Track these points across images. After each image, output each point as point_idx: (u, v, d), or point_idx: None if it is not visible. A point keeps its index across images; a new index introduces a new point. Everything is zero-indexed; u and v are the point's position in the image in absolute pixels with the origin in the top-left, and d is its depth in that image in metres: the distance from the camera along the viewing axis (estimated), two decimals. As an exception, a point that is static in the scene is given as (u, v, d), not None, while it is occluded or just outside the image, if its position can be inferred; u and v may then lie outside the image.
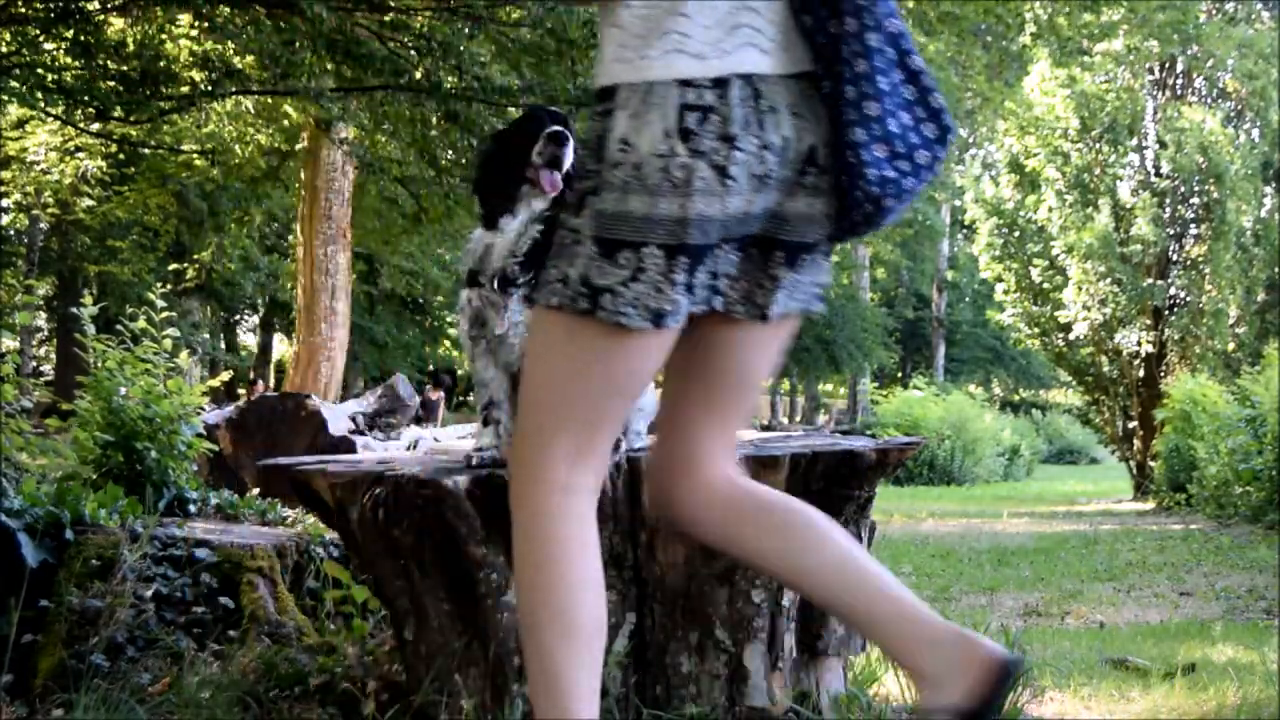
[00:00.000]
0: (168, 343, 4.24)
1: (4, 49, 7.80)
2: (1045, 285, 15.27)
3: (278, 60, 7.26)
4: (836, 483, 2.28)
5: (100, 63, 7.77)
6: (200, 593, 3.06)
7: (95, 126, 9.83)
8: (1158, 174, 14.64)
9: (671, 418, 1.77)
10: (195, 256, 18.77)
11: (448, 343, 29.34)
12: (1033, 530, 10.13)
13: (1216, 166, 13.88)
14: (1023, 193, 15.51)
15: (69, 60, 7.79)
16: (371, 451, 6.03)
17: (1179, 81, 15.24)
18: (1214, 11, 15.42)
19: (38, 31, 7.56)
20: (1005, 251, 15.78)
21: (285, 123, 13.06)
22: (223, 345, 27.08)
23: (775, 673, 2.28)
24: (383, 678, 2.57)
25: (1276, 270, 15.21)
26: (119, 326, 4.24)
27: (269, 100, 11.60)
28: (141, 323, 4.22)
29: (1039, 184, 15.07)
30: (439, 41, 7.57)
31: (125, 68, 7.91)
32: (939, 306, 33.66)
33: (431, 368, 28.58)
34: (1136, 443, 14.73)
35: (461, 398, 30.95)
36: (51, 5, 7.19)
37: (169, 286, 18.75)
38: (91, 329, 4.14)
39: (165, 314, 4.36)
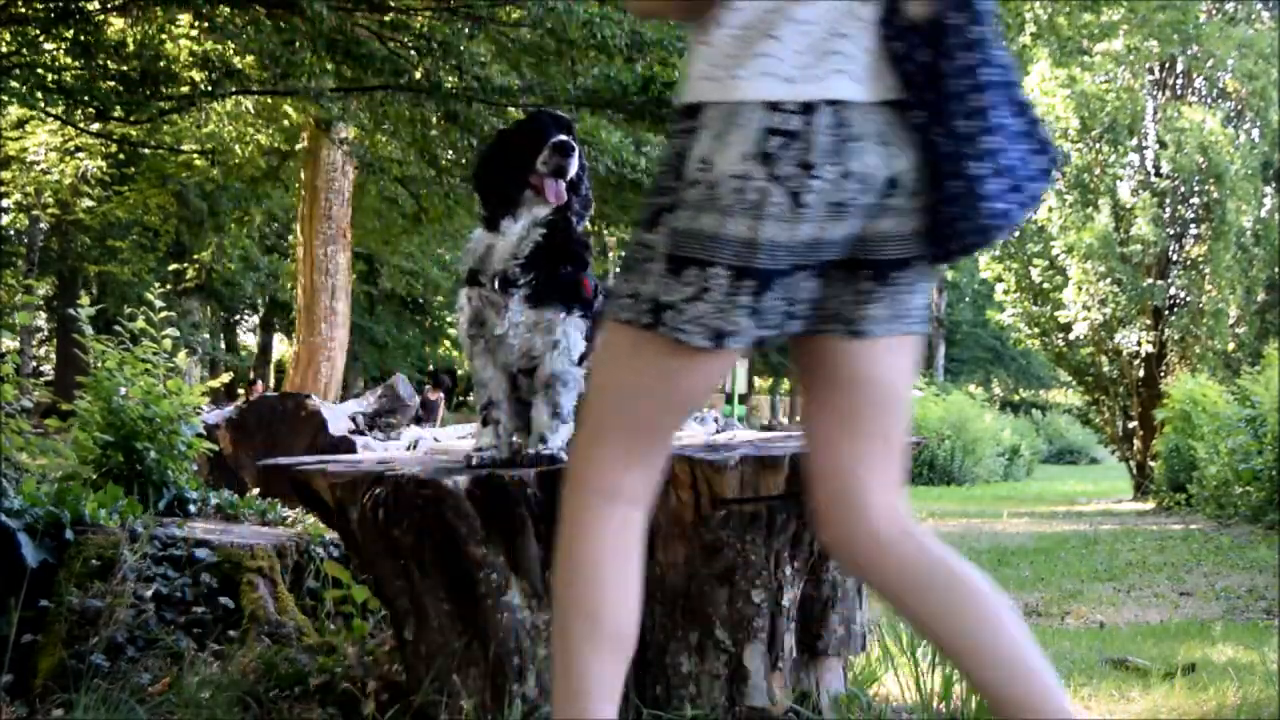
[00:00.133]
0: (167, 343, 4.24)
1: (4, 49, 7.80)
2: (1045, 285, 15.26)
3: (277, 60, 7.26)
4: (836, 483, 2.28)
5: (100, 63, 7.77)
6: (200, 593, 3.06)
7: (95, 126, 9.83)
8: (1158, 174, 14.64)
9: (823, 456, 1.74)
10: (195, 256, 18.77)
11: (448, 343, 29.33)
12: (1033, 530, 10.13)
13: (1216, 166, 13.88)
14: (1023, 192, 15.50)
15: (69, 60, 7.79)
16: (371, 451, 6.03)
17: (1179, 81, 15.24)
18: (1214, 11, 15.42)
19: (38, 31, 7.56)
20: (1005, 251, 15.78)
21: (285, 123, 13.06)
22: (223, 345, 27.08)
23: (775, 673, 2.28)
24: (383, 678, 2.57)
25: (1276, 270, 15.22)
26: (118, 327, 4.24)
27: (269, 100, 11.60)
28: (141, 323, 4.22)
29: (1039, 184, 15.06)
30: (439, 41, 7.57)
31: (125, 68, 7.91)
32: (939, 306, 33.64)
33: (431, 368, 28.59)
34: (1136, 443, 14.73)
35: (461, 398, 30.95)
36: (51, 5, 7.19)
37: (169, 286, 18.75)
38: (89, 329, 4.14)
39: (164, 314, 4.36)
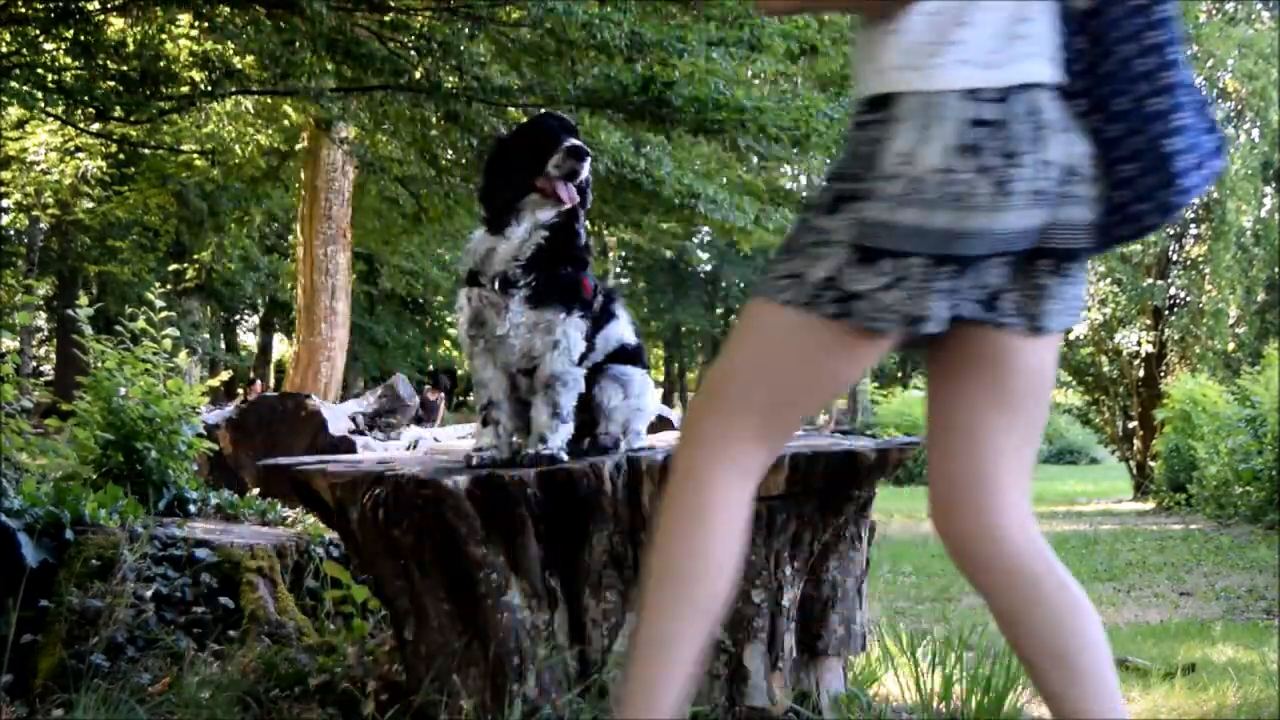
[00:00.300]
0: (167, 343, 4.24)
1: (4, 49, 7.80)
2: (1045, 285, 15.26)
3: (277, 60, 7.26)
4: (837, 483, 2.28)
5: (100, 63, 7.77)
6: (200, 593, 3.06)
7: (95, 126, 9.83)
8: (1158, 174, 14.63)
9: (968, 445, 1.73)
10: (195, 256, 18.77)
11: (448, 343, 29.33)
12: (1033, 530, 10.10)
13: (1216, 166, 13.87)
14: (1023, 192, 15.50)
15: (69, 60, 7.79)
16: (371, 451, 6.03)
17: (1179, 81, 15.22)
18: (1214, 11, 15.41)
19: (38, 31, 7.56)
20: (1005, 251, 15.78)
21: (285, 123, 13.06)
22: (223, 345, 27.08)
23: (775, 673, 2.28)
24: (383, 678, 2.57)
25: (1276, 270, 15.21)
26: (118, 327, 4.24)
27: (269, 100, 11.60)
28: (141, 323, 4.22)
29: (1039, 184, 15.07)
30: (439, 41, 7.57)
31: (125, 68, 7.91)
32: (939, 306, 33.62)
33: (431, 368, 28.58)
34: (1136, 443, 14.73)
35: (461, 398, 30.95)
36: (51, 5, 7.18)
37: (169, 286, 18.75)
38: (89, 329, 4.14)
39: (164, 314, 4.36)
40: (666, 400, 24.76)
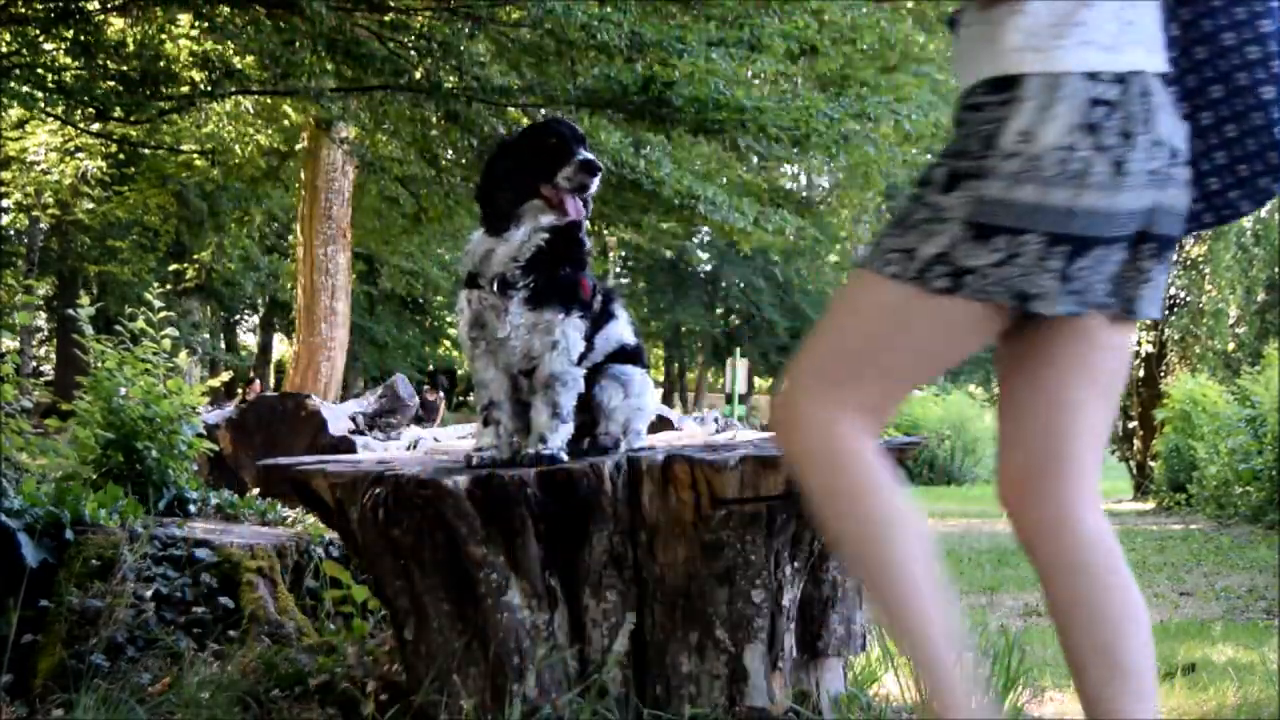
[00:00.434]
0: (167, 343, 4.24)
1: (4, 49, 7.80)
2: (1045, 285, 15.25)
3: (277, 61, 7.26)
4: (836, 483, 2.28)
5: (100, 63, 7.77)
6: (200, 593, 3.06)
7: (95, 126, 9.84)
8: (1158, 174, 14.62)
9: (1048, 423, 1.75)
10: (195, 256, 18.78)
11: (448, 343, 29.34)
12: (1033, 530, 10.10)
13: (1216, 166, 13.85)
14: (1023, 192, 15.49)
15: (69, 60, 7.79)
16: (371, 451, 6.03)
17: (1179, 81, 15.22)
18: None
19: (38, 31, 7.56)
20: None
21: (285, 123, 13.07)
22: (223, 345, 27.08)
23: (775, 673, 2.28)
24: (383, 678, 2.57)
25: (1276, 270, 15.20)
26: (119, 326, 4.24)
27: (268, 100, 11.60)
28: (140, 323, 4.22)
29: (1039, 184, 15.06)
30: (439, 42, 7.57)
31: (125, 68, 7.91)
32: (939, 306, 33.58)
33: (431, 369, 28.58)
34: (1136, 443, 14.73)
35: (461, 398, 30.95)
36: (51, 5, 7.18)
37: (169, 286, 18.75)
38: (89, 329, 4.14)
39: (164, 314, 4.36)
40: (666, 400, 24.77)
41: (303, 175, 12.53)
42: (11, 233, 17.56)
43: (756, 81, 10.50)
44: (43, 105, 8.24)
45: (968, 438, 19.37)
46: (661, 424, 5.83)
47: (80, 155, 13.60)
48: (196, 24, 7.95)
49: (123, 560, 2.95)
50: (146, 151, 12.26)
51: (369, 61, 7.26)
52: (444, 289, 23.63)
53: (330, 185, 11.79)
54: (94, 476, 3.91)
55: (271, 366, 25.97)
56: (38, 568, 2.93)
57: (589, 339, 2.38)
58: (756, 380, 33.50)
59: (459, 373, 33.29)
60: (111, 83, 7.84)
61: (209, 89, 8.41)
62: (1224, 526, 9.60)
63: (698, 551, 2.25)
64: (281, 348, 26.40)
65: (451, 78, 7.86)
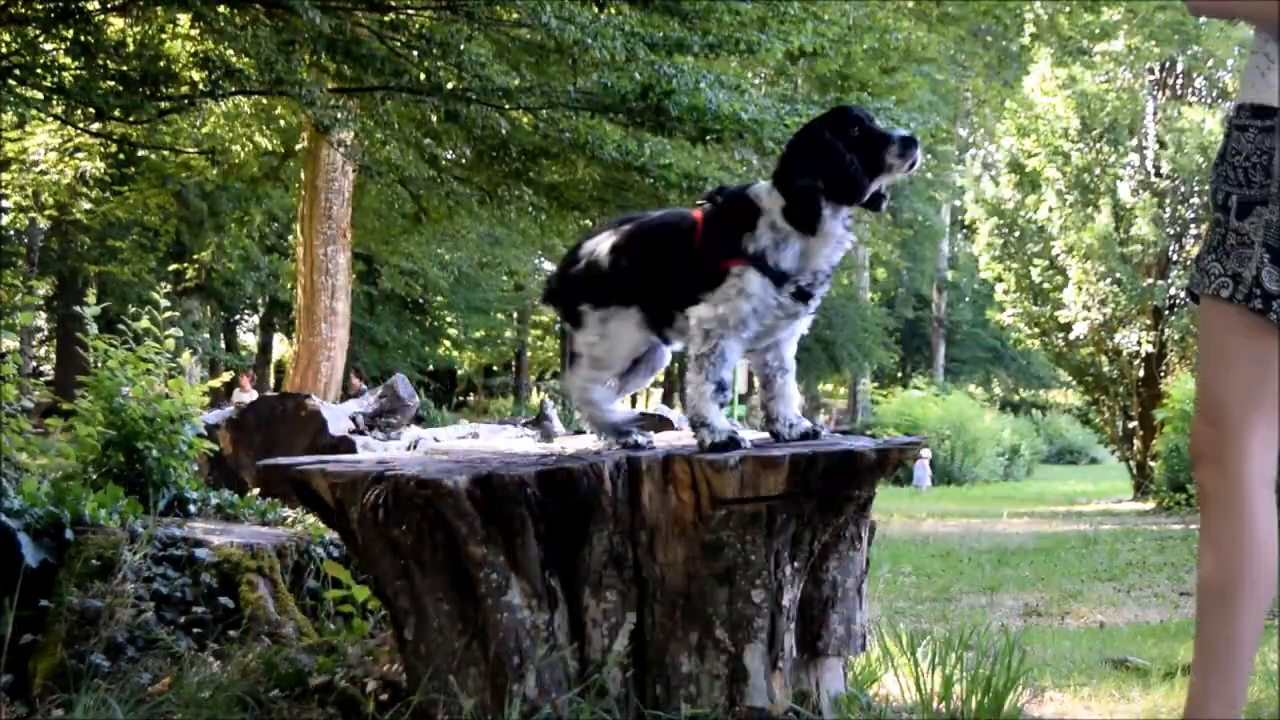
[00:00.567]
0: (170, 343, 4.23)
1: (4, 49, 7.80)
2: (1045, 285, 15.26)
3: (272, 65, 7.26)
4: (837, 483, 2.28)
5: (100, 63, 7.77)
6: (200, 593, 3.06)
7: (95, 127, 9.83)
8: (1158, 174, 14.63)
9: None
10: (195, 256, 18.77)
11: (447, 343, 29.31)
12: (1033, 530, 10.13)
13: (1216, 166, 13.86)
14: (1023, 193, 15.51)
15: (69, 60, 7.79)
16: (371, 451, 6.03)
17: (1179, 81, 15.23)
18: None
19: (38, 32, 7.56)
20: (1005, 251, 15.77)
21: (284, 123, 13.07)
22: (223, 345, 27.07)
23: (775, 673, 2.28)
24: (383, 678, 2.57)
25: (1276, 270, 15.18)
26: (120, 326, 4.23)
27: (265, 101, 11.61)
28: (145, 322, 4.22)
29: (1039, 184, 15.07)
30: (439, 42, 7.57)
31: (125, 68, 7.91)
32: (939, 306, 33.64)
33: (432, 368, 28.58)
34: (1136, 443, 14.73)
35: (461, 398, 30.93)
36: (51, 5, 7.19)
37: (169, 287, 18.73)
38: (94, 328, 4.14)
39: (169, 314, 4.35)
40: (666, 400, 24.76)
41: (303, 175, 12.52)
42: (11, 233, 17.56)
43: (757, 81, 10.51)
44: (37, 112, 8.24)
45: (968, 438, 19.37)
46: (662, 424, 5.83)
47: (80, 155, 13.59)
48: (197, 25, 7.95)
49: (123, 560, 2.95)
50: (146, 152, 12.26)
51: (369, 61, 7.27)
52: (444, 289, 23.63)
53: (330, 185, 11.79)
54: (94, 476, 3.91)
55: (271, 366, 25.95)
56: (38, 568, 2.93)
57: None
58: (756, 380, 33.43)
59: (459, 373, 33.30)
60: (111, 83, 7.84)
61: (209, 89, 8.41)
62: (1224, 526, 9.59)
63: (698, 551, 2.25)
64: (281, 348, 26.39)
65: (451, 79, 7.87)
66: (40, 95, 7.85)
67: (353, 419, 7.50)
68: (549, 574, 2.26)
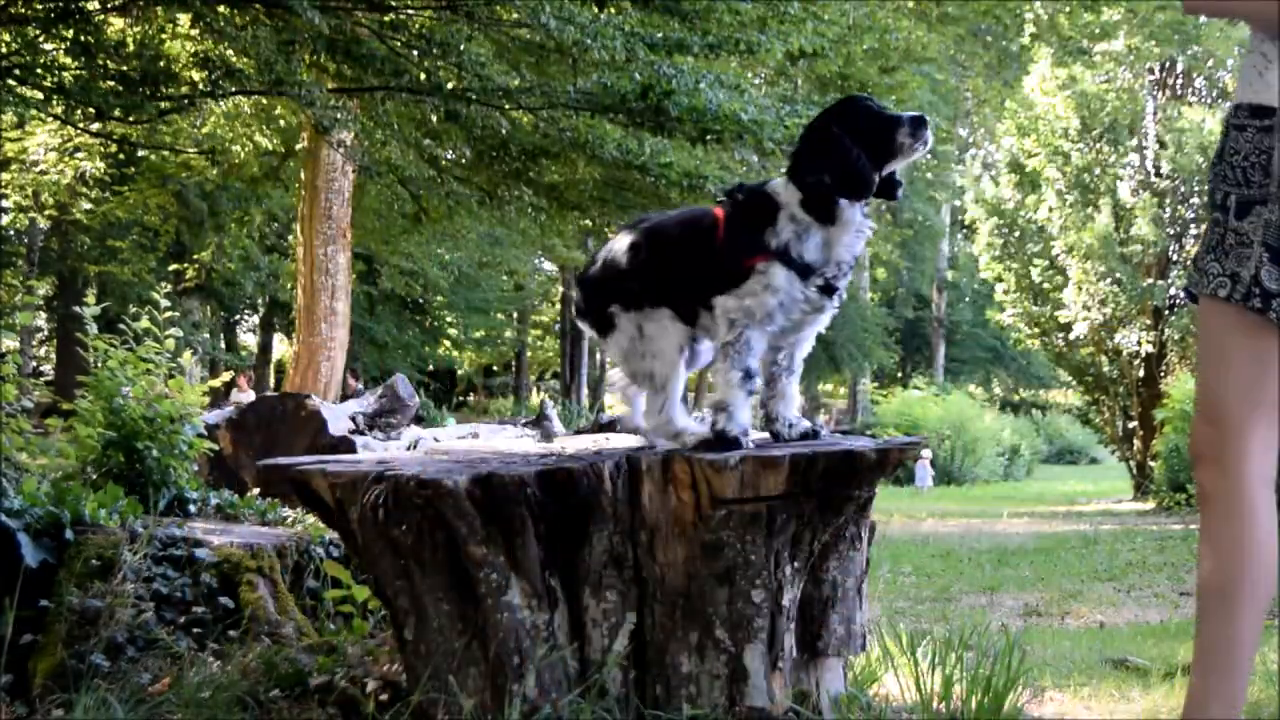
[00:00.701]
0: (170, 343, 4.23)
1: (4, 49, 7.80)
2: (1045, 285, 15.26)
3: (271, 66, 7.26)
4: (837, 483, 2.28)
5: (100, 63, 7.77)
6: (200, 593, 3.06)
7: (95, 127, 9.83)
8: (1158, 174, 14.63)
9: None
10: (195, 256, 18.77)
11: (447, 343, 29.31)
12: (1033, 530, 10.13)
13: (1216, 166, 13.85)
14: (1023, 193, 15.51)
15: (69, 60, 7.79)
16: (371, 451, 6.03)
17: (1179, 81, 15.23)
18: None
19: (38, 32, 7.56)
20: (1005, 251, 15.77)
21: (284, 123, 13.07)
22: (223, 345, 27.07)
23: (775, 673, 2.28)
24: (383, 678, 2.57)
25: (1276, 270, 15.18)
26: (120, 326, 4.23)
27: (265, 101, 11.61)
28: (144, 322, 4.22)
29: (1039, 184, 15.07)
30: (439, 42, 7.57)
31: (125, 68, 7.91)
32: (939, 306, 33.64)
33: (432, 367, 28.57)
34: (1136, 443, 14.73)
35: (461, 398, 30.93)
36: (51, 5, 7.19)
37: (169, 286, 18.72)
38: (94, 328, 4.14)
39: (169, 314, 4.35)
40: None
41: (303, 175, 12.52)
42: (11, 233, 17.55)
43: (757, 81, 10.51)
44: (37, 112, 8.24)
45: (968, 438, 19.38)
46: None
47: (80, 155, 13.59)
48: (196, 25, 7.95)
49: (123, 560, 2.95)
50: (146, 152, 12.26)
51: (369, 61, 7.27)
52: (444, 289, 23.62)
53: (330, 185, 11.78)
54: (94, 476, 3.91)
55: (271, 366, 25.95)
56: (38, 568, 2.93)
57: None
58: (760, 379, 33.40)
59: (459, 373, 33.30)
60: (111, 83, 7.84)
61: (209, 89, 8.41)
62: (1224, 526, 9.59)
63: (698, 551, 2.25)
64: (281, 348, 26.39)
65: (451, 81, 7.87)
66: (40, 95, 7.84)
67: (353, 419, 7.50)
68: (549, 574, 2.26)
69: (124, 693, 2.53)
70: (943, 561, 7.64)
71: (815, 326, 2.39)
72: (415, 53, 8.03)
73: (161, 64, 8.35)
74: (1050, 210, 14.79)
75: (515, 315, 32.43)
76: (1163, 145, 14.41)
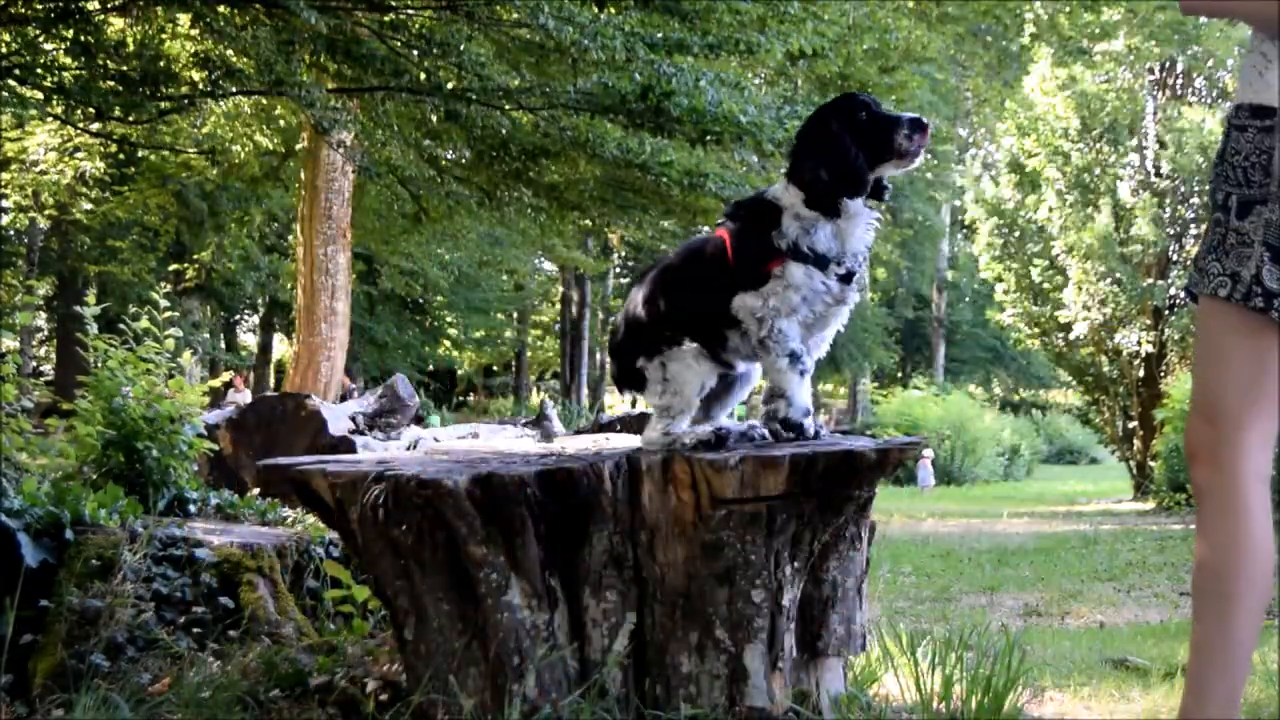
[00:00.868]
0: (170, 343, 4.23)
1: (4, 49, 7.80)
2: (1045, 285, 15.25)
3: (271, 67, 7.26)
4: (837, 483, 2.28)
5: (100, 63, 7.77)
6: (200, 593, 3.06)
7: (95, 126, 9.84)
8: (1158, 174, 14.63)
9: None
10: (195, 256, 18.77)
11: (447, 343, 29.31)
12: (1033, 530, 10.13)
13: (1216, 166, 13.85)
14: (1023, 193, 15.51)
15: (69, 60, 7.79)
16: (371, 451, 6.03)
17: (1179, 81, 15.23)
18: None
19: (38, 31, 7.56)
20: (1005, 251, 15.77)
21: (283, 124, 13.07)
22: (223, 345, 27.08)
23: (775, 673, 2.28)
24: (383, 678, 2.57)
25: (1276, 270, 15.17)
26: (120, 326, 4.24)
27: (265, 101, 11.60)
28: (144, 322, 4.22)
29: (1039, 184, 15.07)
30: (439, 42, 7.57)
31: (125, 68, 7.91)
32: (939, 306, 33.64)
33: (432, 368, 28.56)
34: (1136, 443, 14.73)
35: (461, 398, 30.93)
36: (51, 5, 7.19)
37: (169, 286, 18.73)
38: (94, 328, 4.14)
39: (169, 314, 4.35)
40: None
41: (303, 175, 12.52)
42: (11, 233, 17.56)
43: (757, 81, 10.51)
44: (36, 112, 8.24)
45: (968, 438, 19.37)
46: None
47: (80, 155, 13.59)
48: (196, 25, 7.95)
49: (123, 560, 2.95)
50: (146, 152, 12.26)
51: (369, 62, 7.27)
52: (444, 289, 23.63)
53: (330, 185, 11.79)
54: (94, 476, 3.91)
55: (271, 366, 25.96)
56: (38, 568, 2.93)
57: None
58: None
59: (459, 373, 33.29)
60: (111, 83, 7.84)
61: (209, 89, 8.41)
62: (1224, 526, 9.59)
63: (698, 551, 2.25)
64: (281, 348, 26.39)
65: (452, 78, 7.87)
66: (40, 95, 7.84)
67: (353, 419, 7.50)
68: (549, 574, 2.26)
69: (124, 693, 2.53)
70: (943, 561, 7.64)
71: (837, 321, 2.39)
72: (415, 53, 8.03)
73: (161, 64, 8.35)
74: (1050, 210, 14.78)
75: (515, 315, 32.44)
76: (1163, 145, 14.40)
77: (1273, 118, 1.78)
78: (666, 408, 2.36)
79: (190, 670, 2.65)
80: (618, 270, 32.54)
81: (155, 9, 7.54)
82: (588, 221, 12.50)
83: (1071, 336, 14.86)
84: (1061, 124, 14.76)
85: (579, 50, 6.80)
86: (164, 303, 4.39)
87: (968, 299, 35.49)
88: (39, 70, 7.73)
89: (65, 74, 7.78)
